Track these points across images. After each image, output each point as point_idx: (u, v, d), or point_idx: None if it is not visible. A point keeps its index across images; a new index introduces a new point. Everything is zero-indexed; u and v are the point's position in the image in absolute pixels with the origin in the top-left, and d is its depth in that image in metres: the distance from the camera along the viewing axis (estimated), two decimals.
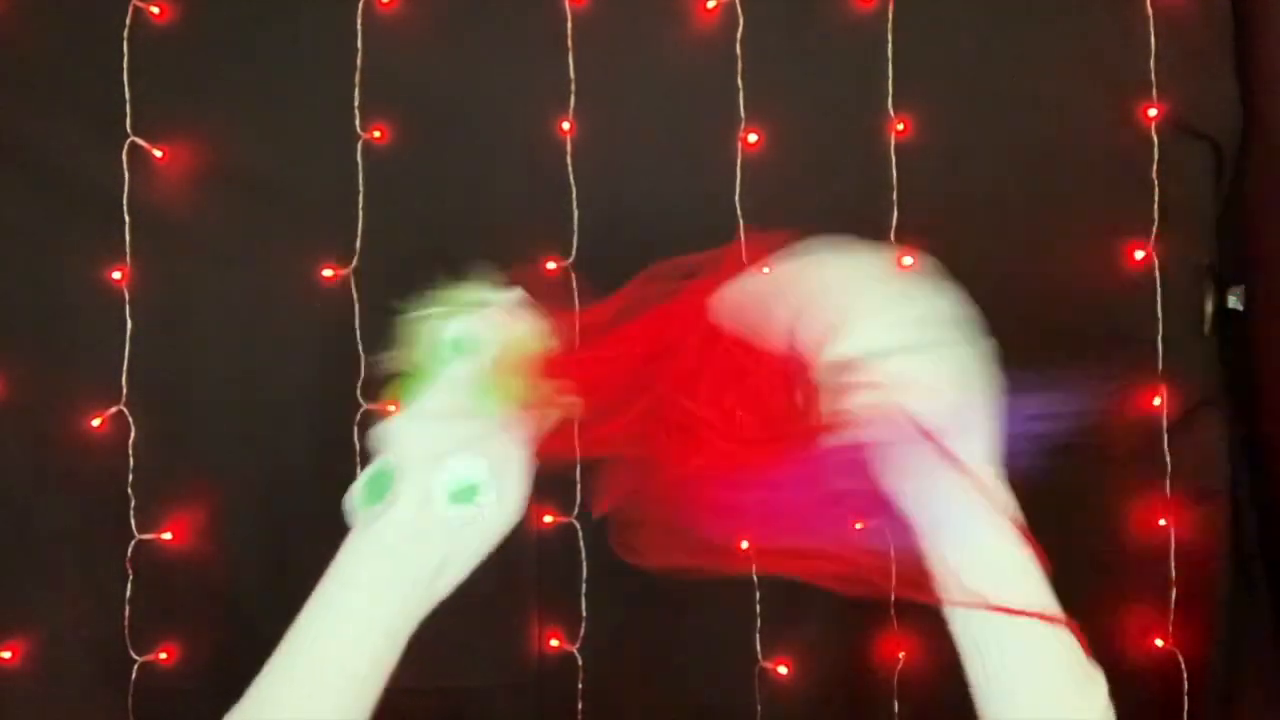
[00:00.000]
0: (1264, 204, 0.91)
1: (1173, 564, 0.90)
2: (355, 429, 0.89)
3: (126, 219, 0.89)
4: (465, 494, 0.60)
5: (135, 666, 0.89)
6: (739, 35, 0.91)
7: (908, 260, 0.91)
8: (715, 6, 0.92)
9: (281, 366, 0.91)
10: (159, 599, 0.90)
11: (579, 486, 0.91)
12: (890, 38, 0.92)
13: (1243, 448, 0.93)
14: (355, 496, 0.62)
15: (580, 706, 0.91)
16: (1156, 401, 0.91)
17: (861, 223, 0.92)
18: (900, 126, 0.92)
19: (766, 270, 0.71)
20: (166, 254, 0.90)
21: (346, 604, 0.61)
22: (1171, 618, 0.91)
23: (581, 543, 0.91)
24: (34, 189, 0.89)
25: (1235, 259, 0.93)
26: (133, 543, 0.89)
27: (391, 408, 0.88)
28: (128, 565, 0.89)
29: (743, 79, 0.91)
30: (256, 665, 0.62)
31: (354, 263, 0.90)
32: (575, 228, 0.91)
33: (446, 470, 0.60)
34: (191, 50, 0.91)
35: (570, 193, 0.91)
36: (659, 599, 0.92)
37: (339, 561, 0.62)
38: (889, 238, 0.91)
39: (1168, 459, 0.91)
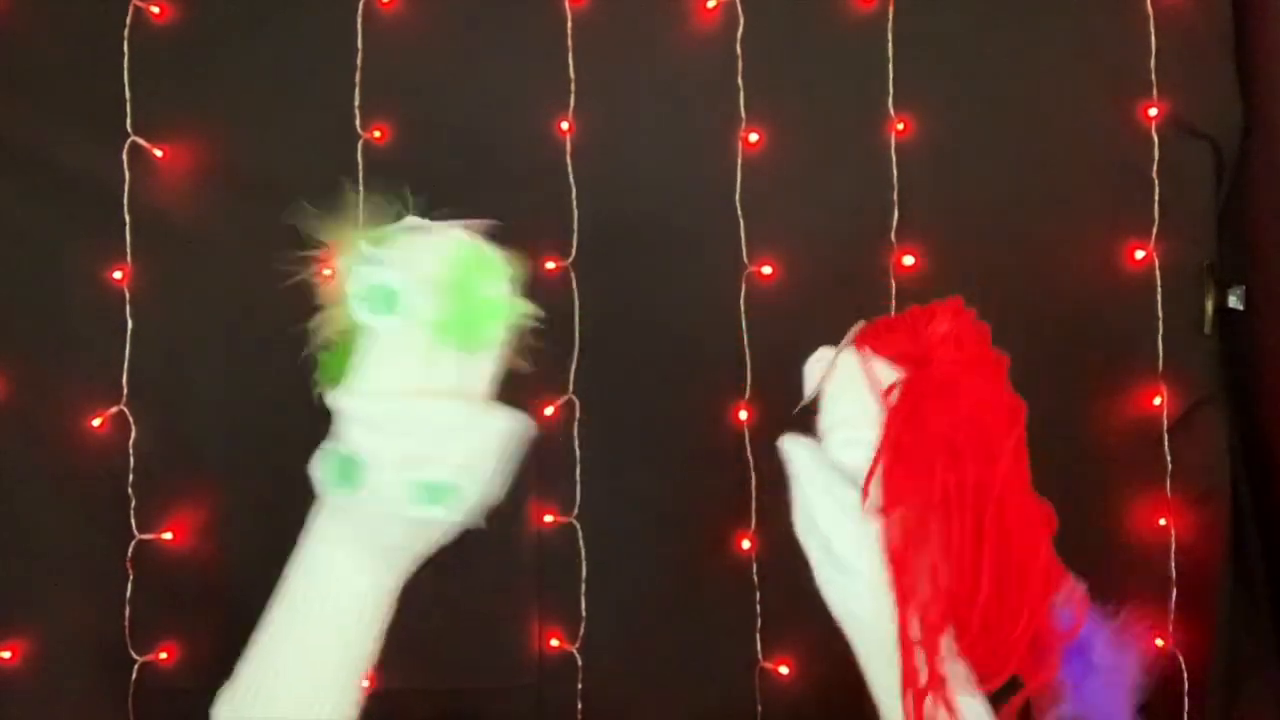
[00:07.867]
0: (1264, 204, 0.91)
1: (1173, 564, 0.90)
2: None
3: (126, 219, 0.89)
4: (435, 496, 0.59)
5: (135, 666, 0.89)
6: (739, 35, 0.91)
7: (908, 260, 0.91)
8: (715, 6, 0.92)
9: (282, 366, 0.90)
10: (159, 599, 0.89)
11: (579, 486, 0.91)
12: (890, 38, 0.92)
13: (1243, 448, 0.93)
14: (324, 474, 0.61)
15: (580, 706, 0.91)
16: (1156, 401, 0.91)
17: (862, 223, 0.92)
18: (900, 126, 0.92)
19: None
20: (166, 254, 0.90)
21: (331, 574, 0.62)
22: (1171, 618, 0.91)
23: (581, 543, 0.91)
24: (34, 189, 0.89)
25: (1235, 259, 0.93)
26: (133, 543, 0.89)
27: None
28: (128, 565, 0.89)
29: (743, 79, 0.91)
30: None
31: None
32: (575, 228, 0.91)
33: (419, 473, 0.58)
34: (191, 50, 0.91)
35: (570, 193, 0.91)
36: (659, 599, 0.92)
37: (315, 540, 0.63)
38: (889, 238, 0.91)
39: (1168, 459, 0.91)
